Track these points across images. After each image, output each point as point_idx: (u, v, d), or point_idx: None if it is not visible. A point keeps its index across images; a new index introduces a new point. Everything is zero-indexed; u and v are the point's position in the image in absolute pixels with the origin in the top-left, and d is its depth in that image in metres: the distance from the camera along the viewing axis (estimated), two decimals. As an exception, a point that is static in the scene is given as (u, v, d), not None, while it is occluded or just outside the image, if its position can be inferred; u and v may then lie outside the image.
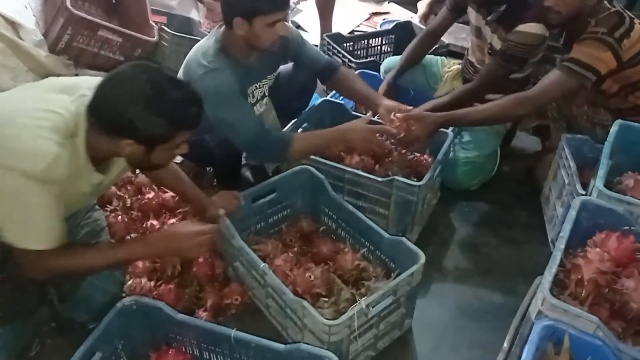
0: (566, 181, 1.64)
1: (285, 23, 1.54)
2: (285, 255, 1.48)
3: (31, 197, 1.06)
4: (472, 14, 2.00)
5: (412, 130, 1.61)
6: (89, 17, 2.11)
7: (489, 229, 1.94)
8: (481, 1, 1.89)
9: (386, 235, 1.50)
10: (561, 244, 1.07)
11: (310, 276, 1.38)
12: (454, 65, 2.24)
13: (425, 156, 1.88)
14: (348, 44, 2.71)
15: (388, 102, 1.76)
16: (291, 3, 1.60)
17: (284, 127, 2.09)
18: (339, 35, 2.70)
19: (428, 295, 1.66)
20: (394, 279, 1.35)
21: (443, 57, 2.29)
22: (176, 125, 1.11)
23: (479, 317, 1.58)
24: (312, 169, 1.71)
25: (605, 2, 1.62)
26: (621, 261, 1.07)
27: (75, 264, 1.18)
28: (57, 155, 1.06)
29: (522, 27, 1.77)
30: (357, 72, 2.33)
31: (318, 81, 2.00)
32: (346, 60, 2.48)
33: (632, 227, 1.10)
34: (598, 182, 1.23)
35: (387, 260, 1.54)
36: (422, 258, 1.38)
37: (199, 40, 1.70)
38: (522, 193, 2.09)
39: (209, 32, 1.71)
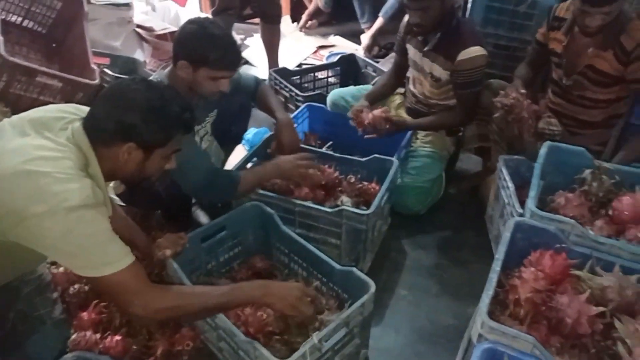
0: (506, 201, 1.71)
1: (228, 80, 1.56)
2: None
3: (89, 223, 1.07)
4: (410, 49, 2.10)
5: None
6: (26, 63, 2.06)
7: (439, 251, 1.99)
8: (416, 33, 1.99)
9: (337, 266, 1.51)
10: (497, 266, 1.11)
11: (262, 315, 1.37)
12: (397, 95, 2.33)
13: (373, 184, 1.92)
14: (295, 78, 2.77)
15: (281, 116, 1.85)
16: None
17: (227, 153, 2.12)
18: (285, 69, 2.76)
19: (383, 322, 1.67)
20: (346, 310, 1.36)
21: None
22: (175, 127, 1.19)
23: (434, 342, 1.61)
24: (262, 204, 1.72)
25: None
26: (555, 278, 1.12)
27: (187, 303, 1.18)
28: (91, 183, 1.10)
29: (465, 54, 1.86)
30: (304, 105, 2.38)
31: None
32: (293, 94, 2.53)
33: (563, 245, 1.16)
34: (530, 203, 1.30)
35: (339, 291, 1.54)
36: (372, 287, 1.39)
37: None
38: (468, 214, 2.16)
39: (154, 72, 1.71)
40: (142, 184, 1.35)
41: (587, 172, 1.44)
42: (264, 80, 2.07)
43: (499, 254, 1.14)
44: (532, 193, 1.33)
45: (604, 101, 1.84)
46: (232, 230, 1.69)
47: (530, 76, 2.00)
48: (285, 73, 2.70)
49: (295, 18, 3.89)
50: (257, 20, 3.12)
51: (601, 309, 1.04)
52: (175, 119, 1.19)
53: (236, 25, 3.06)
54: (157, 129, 1.16)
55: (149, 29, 3.06)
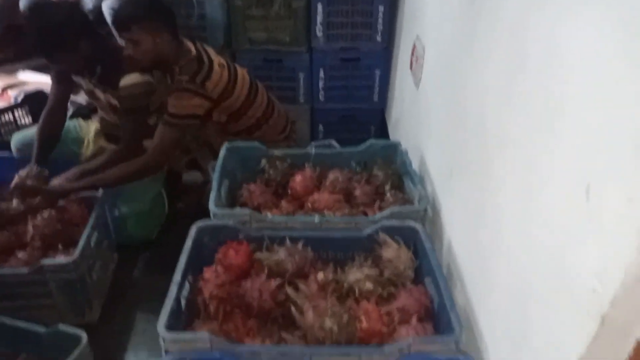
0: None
1: None
2: None
3: None
4: (79, 80, 1.96)
5: None
6: None
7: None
8: (76, 69, 1.87)
9: (41, 329, 1.34)
10: (177, 277, 1.13)
11: None
12: (92, 124, 2.18)
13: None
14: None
15: None
16: None
17: None
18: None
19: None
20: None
21: (80, 119, 2.19)
22: None
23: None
24: None
25: (189, 45, 1.81)
26: (244, 267, 1.20)
27: None
28: None
29: (124, 82, 1.82)
30: (-18, 159, 2.03)
31: None
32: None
33: (241, 236, 1.25)
34: (210, 204, 1.37)
35: (56, 356, 1.37)
36: (84, 339, 1.28)
37: None
38: (199, 225, 2.18)
39: None
40: None
41: (263, 162, 1.59)
42: None
43: (180, 263, 1.17)
44: (212, 194, 1.40)
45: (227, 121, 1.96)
46: None
47: None
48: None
49: (-33, 60, 3.27)
50: None
51: (278, 280, 1.16)
52: None
53: None
54: None
55: None
